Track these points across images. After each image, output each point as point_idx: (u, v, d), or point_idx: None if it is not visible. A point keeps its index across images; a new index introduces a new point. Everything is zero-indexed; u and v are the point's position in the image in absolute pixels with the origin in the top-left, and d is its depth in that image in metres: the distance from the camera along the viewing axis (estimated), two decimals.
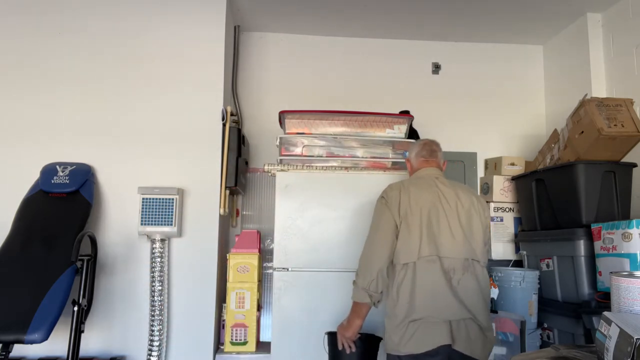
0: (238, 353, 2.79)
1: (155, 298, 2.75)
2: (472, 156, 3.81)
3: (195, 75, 3.04)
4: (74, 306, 2.43)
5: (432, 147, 2.20)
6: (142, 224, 2.78)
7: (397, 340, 1.87)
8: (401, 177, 2.70)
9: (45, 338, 2.18)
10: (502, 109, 3.88)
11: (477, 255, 1.97)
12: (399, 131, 2.82)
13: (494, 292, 2.64)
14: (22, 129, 2.91)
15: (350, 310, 2.04)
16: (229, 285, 2.84)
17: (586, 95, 2.88)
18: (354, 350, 2.08)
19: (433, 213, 1.95)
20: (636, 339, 0.95)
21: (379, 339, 2.19)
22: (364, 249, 2.00)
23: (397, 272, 1.94)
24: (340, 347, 2.09)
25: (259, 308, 2.97)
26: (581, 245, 2.67)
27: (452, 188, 2.04)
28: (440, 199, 1.98)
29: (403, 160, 2.81)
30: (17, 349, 2.31)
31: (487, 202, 3.45)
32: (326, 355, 2.24)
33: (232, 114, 3.09)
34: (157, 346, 2.72)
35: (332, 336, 2.19)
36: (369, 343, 2.19)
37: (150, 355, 2.71)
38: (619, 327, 1.02)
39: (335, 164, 2.72)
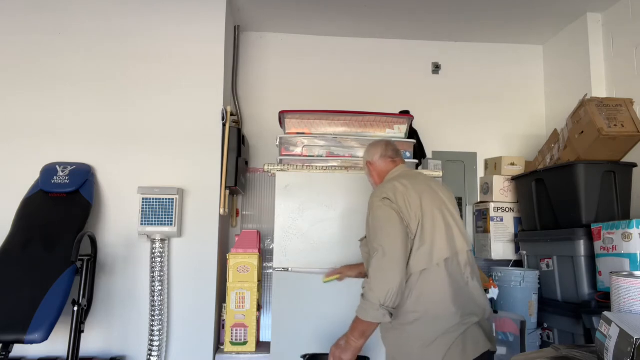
0: (238, 353, 2.79)
1: (155, 298, 2.75)
2: (472, 156, 3.81)
3: (195, 75, 3.04)
4: (74, 306, 2.43)
5: (395, 147, 2.07)
6: (142, 224, 2.78)
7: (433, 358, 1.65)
8: None
9: (45, 338, 2.18)
10: (502, 109, 3.88)
11: (470, 245, 1.88)
12: (399, 131, 2.82)
13: (494, 292, 2.64)
14: (22, 129, 2.90)
15: (351, 329, 1.73)
16: (229, 285, 2.84)
17: (586, 95, 2.88)
18: None
19: (440, 209, 1.80)
20: (636, 339, 0.95)
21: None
22: (376, 259, 1.68)
23: (413, 282, 1.70)
24: None
25: (259, 308, 2.97)
26: (581, 245, 2.67)
27: (434, 182, 1.93)
28: (436, 193, 1.85)
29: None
30: (17, 349, 2.31)
31: (487, 202, 3.48)
32: None
33: (232, 114, 3.09)
34: (157, 346, 2.72)
35: None
36: None
37: (150, 355, 2.71)
38: (619, 327, 1.02)
39: (335, 164, 2.72)
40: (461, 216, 1.99)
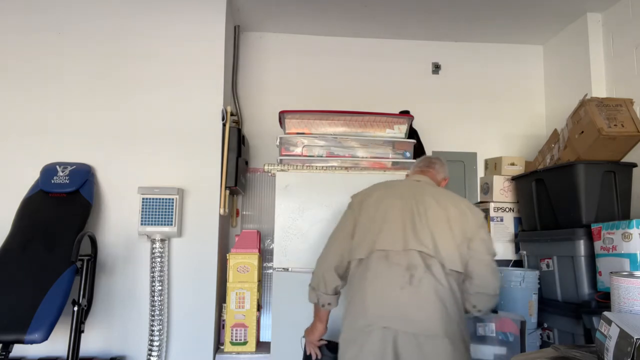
0: (238, 353, 2.79)
1: (155, 298, 2.75)
2: (472, 156, 3.81)
3: (196, 75, 3.04)
4: (74, 306, 2.43)
5: (430, 160, 2.10)
6: (142, 224, 2.78)
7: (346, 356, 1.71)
8: (401, 177, 2.70)
9: (45, 338, 2.18)
10: (502, 109, 3.88)
11: (442, 258, 1.72)
12: (399, 131, 2.82)
13: None
14: (22, 129, 2.91)
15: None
16: (229, 285, 2.84)
17: (586, 95, 2.88)
18: (319, 357, 2.01)
19: (398, 209, 1.78)
20: (636, 339, 0.95)
21: None
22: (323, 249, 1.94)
23: (351, 269, 1.83)
24: (308, 352, 2.02)
25: (259, 308, 2.97)
26: (581, 245, 2.67)
27: (435, 193, 1.87)
28: (410, 198, 1.82)
29: (403, 160, 2.81)
30: (17, 349, 2.31)
31: (487, 202, 3.47)
32: None
33: (232, 114, 3.09)
34: (157, 346, 2.72)
35: None
36: (337, 351, 1.97)
37: (150, 355, 2.71)
38: (619, 327, 1.02)
39: (335, 164, 2.72)
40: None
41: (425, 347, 1.62)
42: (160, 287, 2.76)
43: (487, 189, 3.51)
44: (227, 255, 2.89)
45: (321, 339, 2.06)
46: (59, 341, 2.52)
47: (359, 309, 1.72)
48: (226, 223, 3.31)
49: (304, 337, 2.12)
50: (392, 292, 1.68)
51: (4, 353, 2.17)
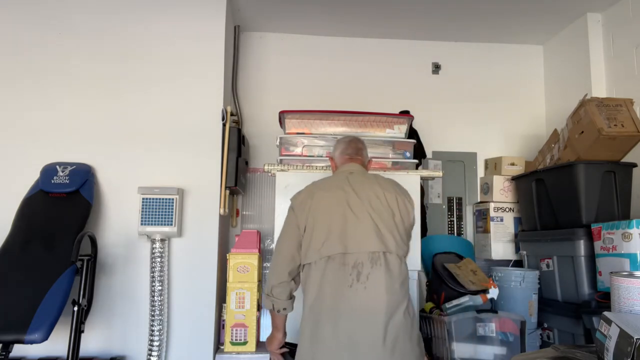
0: (238, 353, 2.79)
1: (155, 298, 2.75)
2: (472, 156, 3.81)
3: (195, 75, 3.04)
4: (74, 306, 2.43)
5: (357, 145, 2.18)
6: (142, 224, 2.78)
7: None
8: (401, 177, 2.70)
9: (45, 338, 2.18)
10: (502, 109, 3.88)
11: (390, 248, 1.87)
12: (399, 131, 2.82)
13: (494, 292, 2.64)
14: (22, 129, 2.90)
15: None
16: (229, 285, 2.84)
17: (586, 95, 2.88)
18: None
19: (339, 209, 1.89)
20: (636, 339, 0.95)
21: None
22: (272, 256, 2.03)
23: (304, 272, 1.94)
24: None
25: (259, 308, 2.97)
26: (581, 245, 2.67)
27: (368, 182, 1.97)
28: (349, 194, 1.92)
29: (403, 160, 2.81)
30: (17, 349, 2.31)
31: (487, 202, 3.47)
32: None
33: (232, 114, 3.09)
34: (157, 346, 2.72)
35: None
36: None
37: (150, 355, 2.71)
38: (619, 327, 1.02)
39: None
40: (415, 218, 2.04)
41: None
42: (160, 287, 2.76)
43: (487, 189, 3.51)
44: (227, 255, 2.88)
45: (282, 347, 2.12)
46: (59, 341, 2.51)
47: (312, 305, 1.85)
48: (226, 223, 3.31)
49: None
50: (338, 290, 1.82)
51: (4, 353, 2.16)
